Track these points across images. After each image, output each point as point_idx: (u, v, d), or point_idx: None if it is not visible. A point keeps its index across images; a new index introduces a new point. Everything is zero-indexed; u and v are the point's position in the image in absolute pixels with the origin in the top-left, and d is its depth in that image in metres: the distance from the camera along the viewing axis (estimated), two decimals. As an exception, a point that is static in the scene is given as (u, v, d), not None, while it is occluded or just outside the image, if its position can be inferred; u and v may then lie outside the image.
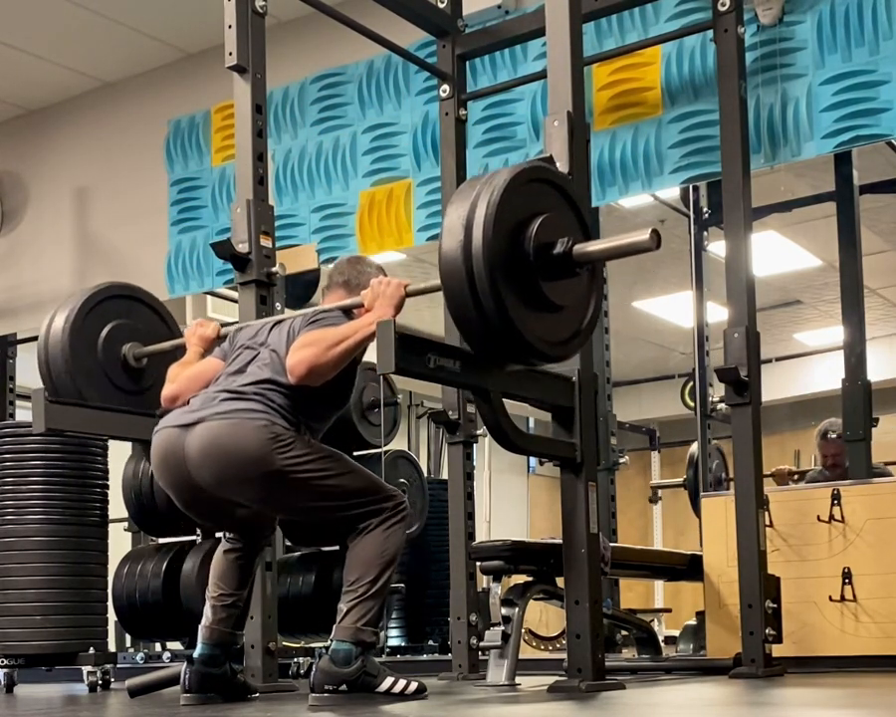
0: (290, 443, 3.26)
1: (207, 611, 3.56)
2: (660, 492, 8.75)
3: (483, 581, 4.61)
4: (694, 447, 6.76)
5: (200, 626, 3.56)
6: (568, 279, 3.18)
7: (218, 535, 3.75)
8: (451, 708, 3.25)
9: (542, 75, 4.49)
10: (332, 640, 3.30)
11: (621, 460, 6.18)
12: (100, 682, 4.80)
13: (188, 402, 3.44)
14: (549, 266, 3.11)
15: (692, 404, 6.78)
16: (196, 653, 3.52)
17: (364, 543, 3.33)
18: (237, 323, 3.91)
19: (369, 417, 6.01)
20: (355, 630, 3.27)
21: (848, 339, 5.63)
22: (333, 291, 3.63)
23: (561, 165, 3.50)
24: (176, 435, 3.32)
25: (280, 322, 3.56)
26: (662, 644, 5.41)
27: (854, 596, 4.27)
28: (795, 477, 6.91)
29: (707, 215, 6.26)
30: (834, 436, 6.11)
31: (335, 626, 3.31)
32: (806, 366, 10.99)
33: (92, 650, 4.81)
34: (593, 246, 3.20)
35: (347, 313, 3.47)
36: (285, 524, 5.38)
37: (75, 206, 6.48)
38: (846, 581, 4.28)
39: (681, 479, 7.01)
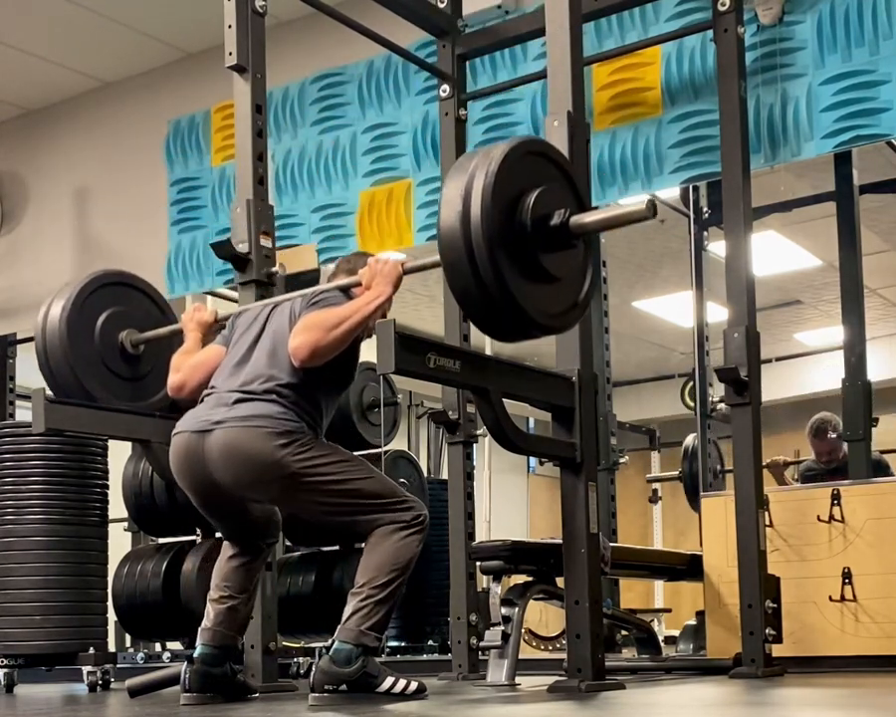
0: (305, 445, 3.30)
1: (209, 613, 3.56)
2: (660, 492, 8.74)
3: (483, 581, 4.60)
4: (689, 439, 6.74)
5: (201, 628, 3.56)
6: (566, 250, 3.18)
7: (218, 535, 3.74)
8: (451, 708, 3.25)
9: (542, 75, 4.48)
10: (334, 640, 3.29)
11: (621, 460, 6.18)
12: (100, 682, 4.79)
13: (202, 400, 3.47)
14: (546, 237, 3.11)
15: (692, 404, 6.78)
16: (196, 653, 3.52)
17: (378, 548, 3.33)
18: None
19: (369, 417, 6.01)
20: (358, 633, 3.27)
21: (848, 339, 5.63)
22: (336, 278, 3.66)
23: (562, 166, 3.50)
24: (195, 440, 3.36)
25: (279, 304, 3.58)
26: (662, 644, 5.41)
27: (854, 596, 4.27)
28: (790, 467, 6.83)
29: (707, 215, 6.26)
30: (833, 436, 6.08)
31: (339, 627, 3.31)
32: (806, 366, 10.99)
33: (92, 650, 4.80)
34: (590, 217, 3.20)
35: (346, 292, 3.49)
36: (286, 524, 5.39)
37: (75, 206, 6.48)
38: (846, 581, 4.28)
39: (677, 472, 6.99)
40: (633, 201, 6.71)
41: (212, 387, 3.48)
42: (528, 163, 3.16)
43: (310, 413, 3.38)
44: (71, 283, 4.46)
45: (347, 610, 3.31)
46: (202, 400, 3.47)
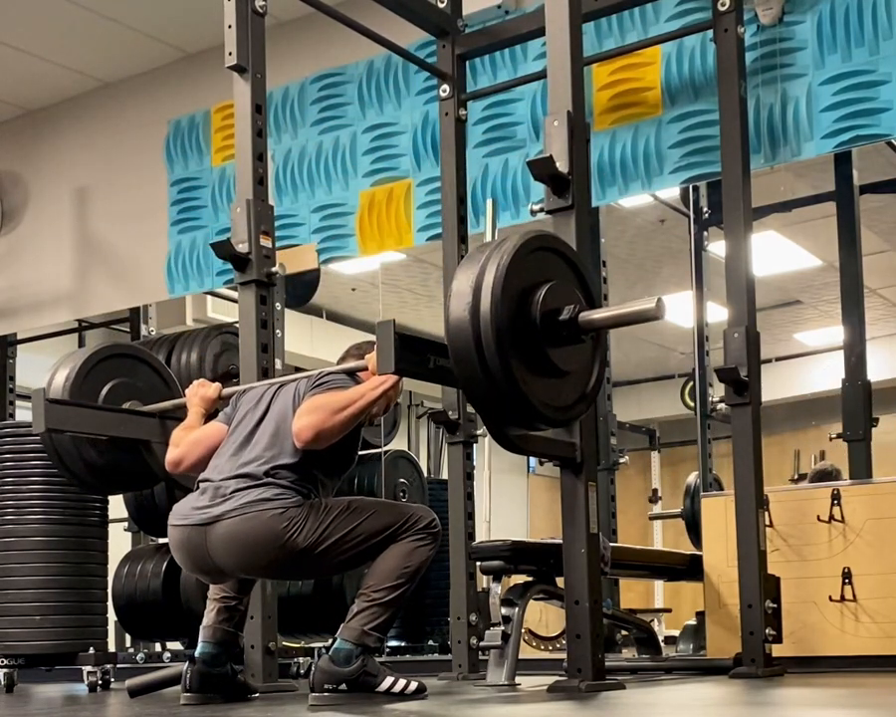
0: (306, 519, 3.27)
1: (209, 612, 3.57)
2: (660, 491, 8.76)
3: (483, 581, 4.60)
4: (691, 477, 6.78)
5: (202, 626, 3.56)
6: (574, 345, 3.21)
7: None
8: (451, 708, 3.25)
9: (542, 75, 4.49)
10: (336, 639, 3.30)
11: (621, 460, 6.18)
12: (100, 682, 4.79)
13: (198, 487, 3.43)
14: (554, 332, 3.14)
15: (692, 404, 6.78)
16: (198, 653, 3.53)
17: (390, 554, 3.32)
18: (241, 385, 3.87)
19: (369, 417, 6.01)
20: (361, 633, 3.27)
21: (848, 339, 5.64)
22: (345, 362, 3.63)
23: (561, 165, 3.50)
24: (197, 534, 3.32)
25: (284, 384, 3.56)
26: (662, 644, 5.41)
27: (854, 596, 4.26)
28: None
29: (707, 215, 6.26)
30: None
31: (342, 625, 3.31)
32: (806, 366, 10.99)
33: (92, 650, 4.80)
34: (599, 314, 3.23)
35: (353, 377, 3.49)
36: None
37: (75, 206, 6.49)
38: (846, 581, 4.28)
39: (679, 510, 7.03)
40: (633, 201, 6.78)
41: (214, 467, 3.45)
42: (538, 258, 3.18)
43: (307, 489, 3.35)
44: (77, 351, 4.46)
45: (353, 610, 3.31)
46: (198, 487, 3.43)
